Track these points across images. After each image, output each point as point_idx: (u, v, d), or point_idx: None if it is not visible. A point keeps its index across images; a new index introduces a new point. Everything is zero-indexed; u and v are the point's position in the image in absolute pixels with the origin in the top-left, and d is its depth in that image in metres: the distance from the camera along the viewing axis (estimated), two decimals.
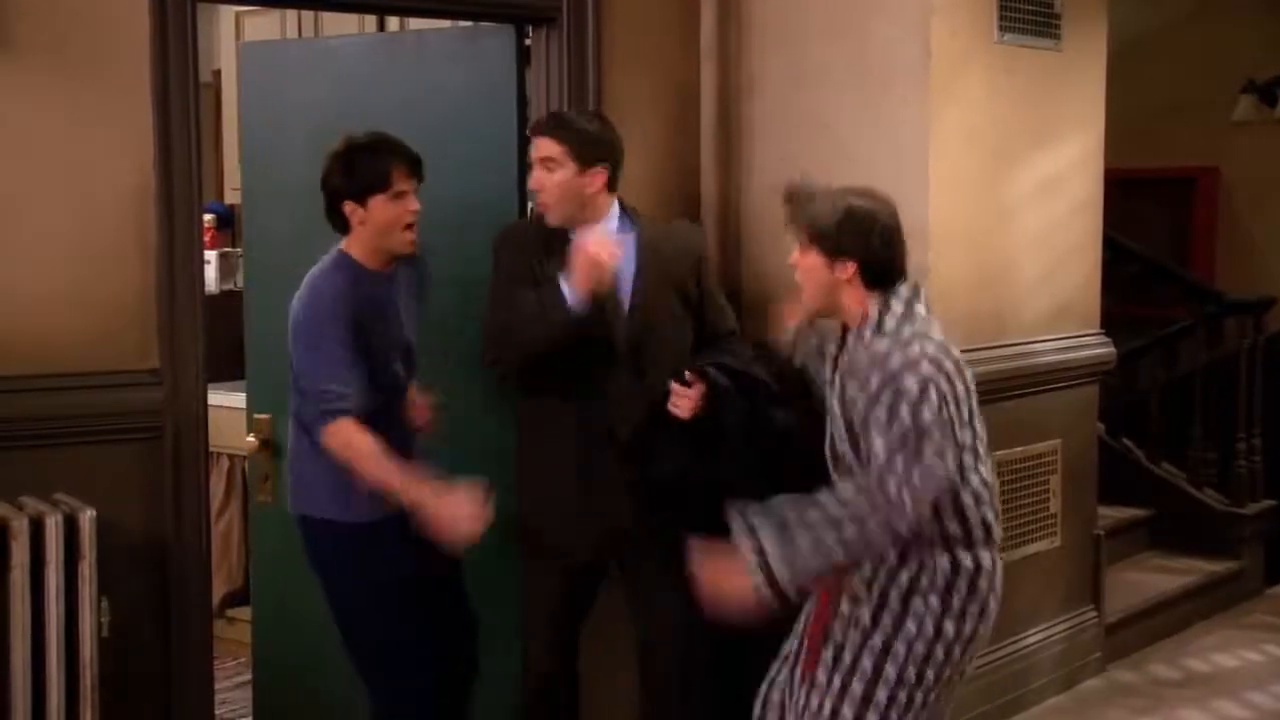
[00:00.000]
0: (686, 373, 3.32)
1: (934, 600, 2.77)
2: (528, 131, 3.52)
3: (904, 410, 2.65)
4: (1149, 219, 7.20)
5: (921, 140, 3.74)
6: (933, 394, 2.67)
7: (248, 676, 4.89)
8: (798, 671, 2.90)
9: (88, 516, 2.95)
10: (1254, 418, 5.94)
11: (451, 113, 3.94)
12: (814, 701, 2.81)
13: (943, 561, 2.78)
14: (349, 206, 3.32)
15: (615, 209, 3.46)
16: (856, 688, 2.76)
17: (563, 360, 3.34)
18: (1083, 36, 4.27)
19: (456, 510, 3.11)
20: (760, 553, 2.67)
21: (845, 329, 2.86)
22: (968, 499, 2.78)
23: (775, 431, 3.34)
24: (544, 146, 3.37)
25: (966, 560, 2.79)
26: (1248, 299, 6.14)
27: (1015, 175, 4.16)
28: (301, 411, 3.30)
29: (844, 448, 2.81)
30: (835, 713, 2.78)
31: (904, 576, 2.78)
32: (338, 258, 3.38)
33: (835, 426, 2.85)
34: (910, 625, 2.76)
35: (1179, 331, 6.05)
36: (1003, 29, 3.97)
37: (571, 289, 3.25)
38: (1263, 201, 7.27)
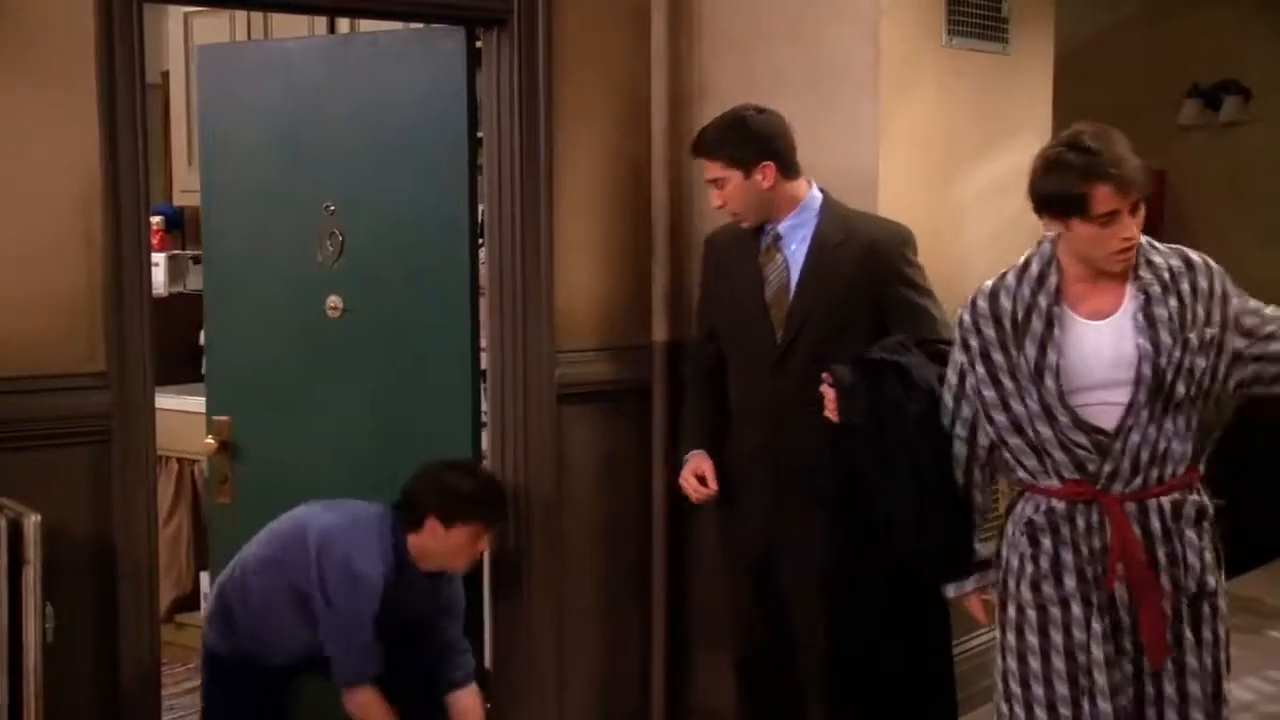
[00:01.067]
0: (824, 374, 3.10)
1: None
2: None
3: (1235, 287, 2.80)
4: None
5: (872, 143, 3.76)
6: None
7: (197, 682, 4.85)
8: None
9: (32, 521, 2.92)
10: None
11: (404, 113, 3.93)
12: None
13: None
14: (432, 521, 3.40)
15: (812, 198, 3.50)
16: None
17: (737, 358, 3.52)
18: (1030, 40, 4.31)
19: None
20: None
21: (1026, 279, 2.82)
22: None
23: (907, 419, 2.97)
24: (708, 169, 3.47)
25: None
26: None
27: (965, 176, 4.19)
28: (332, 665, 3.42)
29: (1185, 376, 2.75)
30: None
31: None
32: (392, 541, 3.43)
33: (1170, 361, 2.72)
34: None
35: None
36: (951, 32, 4.00)
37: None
38: (1207, 204, 7.36)
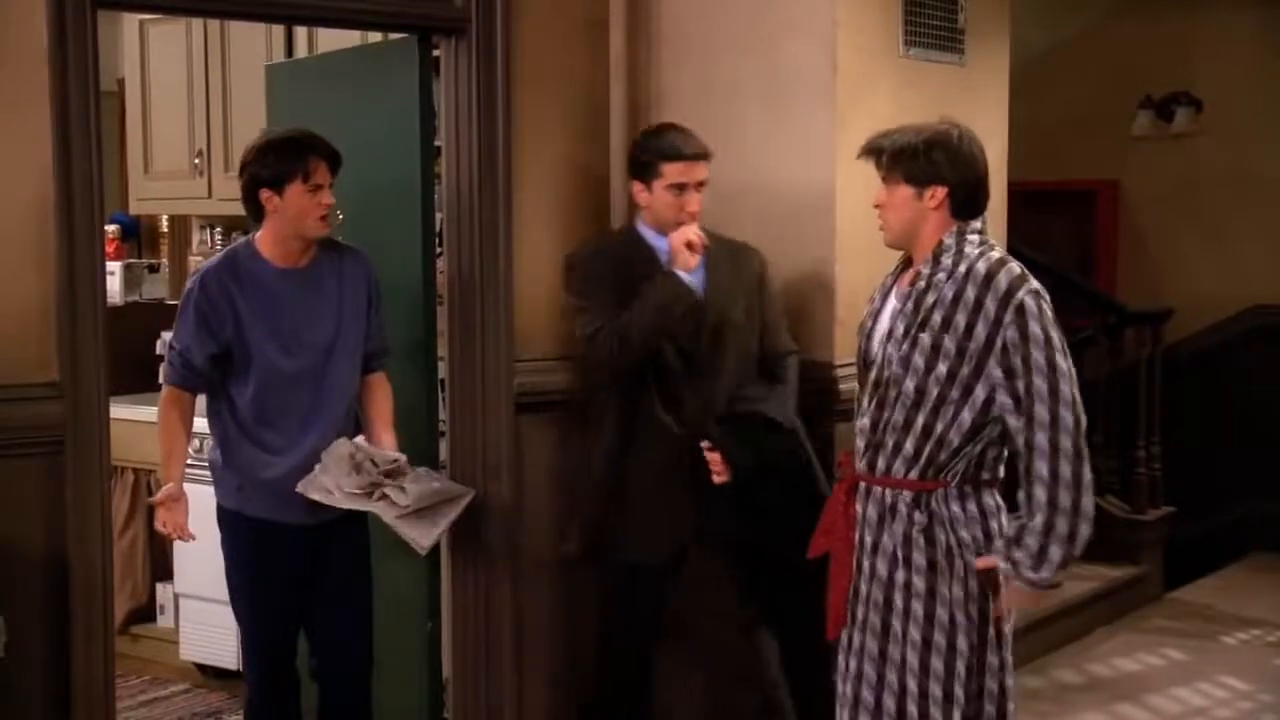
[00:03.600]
0: (702, 443, 3.46)
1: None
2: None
3: (1035, 328, 2.71)
4: (1053, 231, 7.34)
5: (828, 153, 3.78)
6: (1046, 308, 2.75)
7: (152, 695, 4.83)
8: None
9: None
10: (1153, 426, 6.08)
11: (366, 122, 3.93)
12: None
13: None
14: (265, 194, 3.42)
15: None
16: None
17: (653, 364, 3.52)
18: (986, 52, 4.34)
19: (164, 513, 3.44)
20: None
21: (907, 265, 2.94)
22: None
23: (780, 463, 3.48)
24: (702, 169, 3.59)
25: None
26: (1148, 310, 6.28)
27: None
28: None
29: (915, 374, 2.79)
30: None
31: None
32: (239, 246, 3.53)
33: (899, 352, 2.83)
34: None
35: (1081, 342, 6.18)
36: (908, 43, 4.02)
37: (680, 273, 3.48)
38: (1159, 214, 7.44)
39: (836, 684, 3.00)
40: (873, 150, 2.95)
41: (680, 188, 3.53)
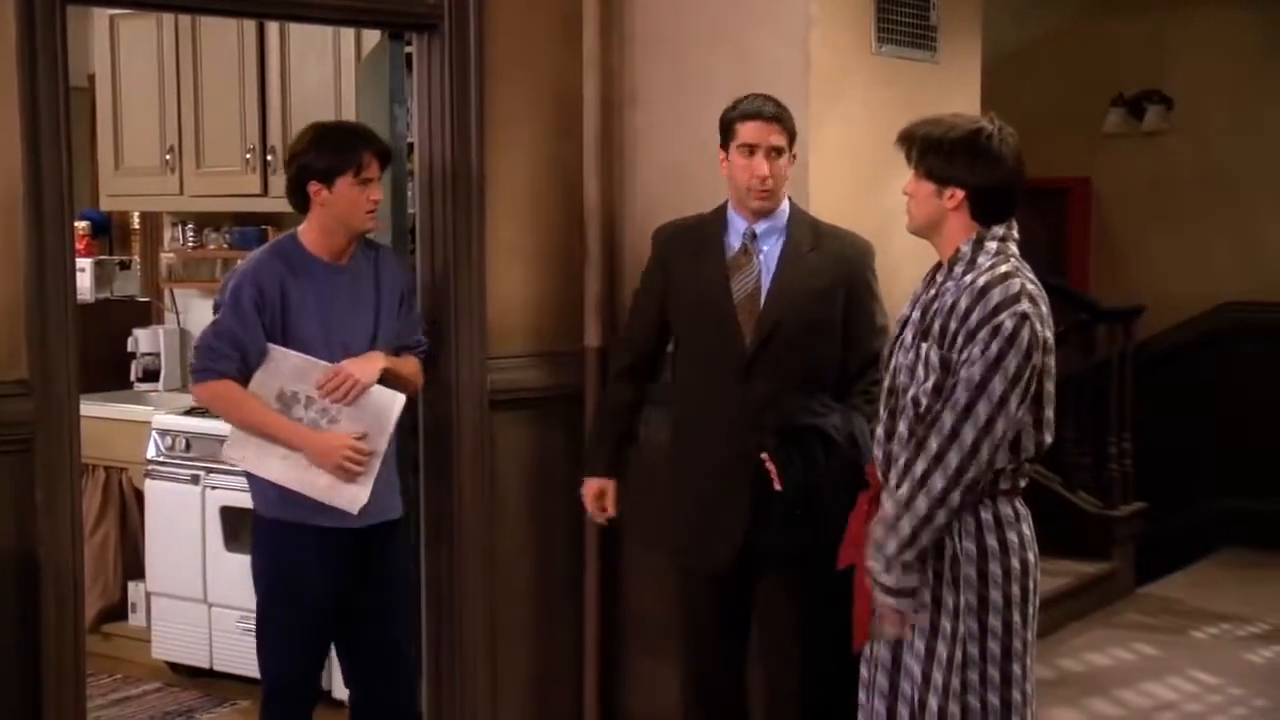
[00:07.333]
0: (762, 455, 3.25)
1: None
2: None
3: (994, 348, 2.63)
4: (1025, 228, 7.35)
5: (801, 150, 3.77)
6: (1024, 335, 2.65)
7: (124, 693, 4.81)
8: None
9: None
10: (1125, 422, 6.12)
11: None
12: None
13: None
14: (314, 186, 3.36)
15: (785, 203, 3.45)
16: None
17: (700, 363, 3.40)
18: (958, 49, 4.36)
19: (326, 445, 3.34)
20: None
21: (937, 268, 2.87)
22: (1028, 444, 2.76)
23: (829, 478, 3.21)
24: (777, 136, 3.36)
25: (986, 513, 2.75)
26: (1120, 307, 6.32)
27: (894, 185, 4.20)
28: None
29: (916, 384, 2.73)
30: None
31: None
32: (282, 240, 3.47)
33: (906, 360, 2.77)
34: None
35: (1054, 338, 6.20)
36: (880, 40, 4.04)
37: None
38: (1130, 211, 7.49)
39: (860, 695, 2.93)
40: (905, 139, 2.89)
41: (751, 149, 3.34)
